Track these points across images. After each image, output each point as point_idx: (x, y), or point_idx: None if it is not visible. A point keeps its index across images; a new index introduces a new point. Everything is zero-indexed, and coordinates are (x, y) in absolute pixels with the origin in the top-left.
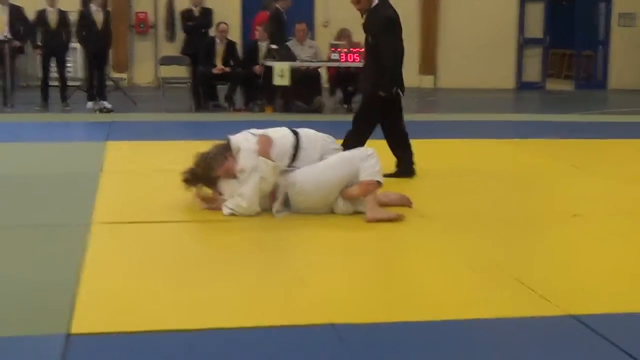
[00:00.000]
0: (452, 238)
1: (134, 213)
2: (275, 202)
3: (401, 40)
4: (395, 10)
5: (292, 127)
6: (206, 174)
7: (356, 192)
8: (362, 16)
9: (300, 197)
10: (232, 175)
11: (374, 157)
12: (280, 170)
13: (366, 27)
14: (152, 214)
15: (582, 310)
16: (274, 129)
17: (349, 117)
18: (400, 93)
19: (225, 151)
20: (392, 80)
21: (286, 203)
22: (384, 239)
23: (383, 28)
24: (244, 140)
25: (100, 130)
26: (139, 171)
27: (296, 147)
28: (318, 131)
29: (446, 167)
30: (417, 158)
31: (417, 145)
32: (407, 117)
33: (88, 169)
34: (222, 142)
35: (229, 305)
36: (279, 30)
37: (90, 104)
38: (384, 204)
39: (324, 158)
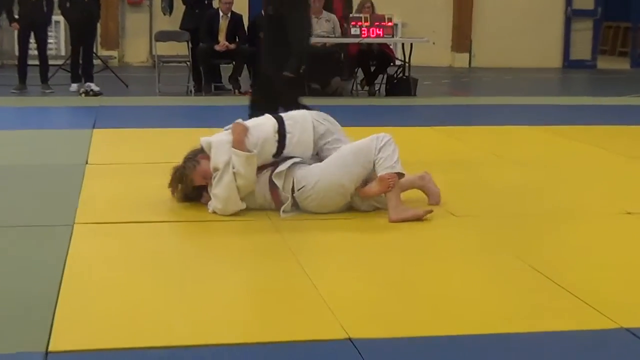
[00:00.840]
0: (489, 240)
1: (121, 212)
2: (285, 205)
3: (309, 13)
4: None
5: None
6: (185, 187)
7: (375, 190)
8: None
9: (312, 203)
10: (209, 178)
11: (391, 144)
12: (261, 159)
13: None
14: (141, 213)
15: (638, 323)
16: (253, 119)
17: (371, 102)
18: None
19: (196, 155)
20: (299, 59)
21: (294, 204)
22: (409, 242)
23: (292, 1)
24: (215, 135)
25: (86, 116)
26: (130, 163)
27: (281, 132)
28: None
29: (482, 157)
30: (449, 146)
31: (450, 133)
32: (439, 100)
33: (71, 160)
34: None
35: (230, 318)
36: None
37: (74, 86)
38: (405, 188)
39: (321, 142)
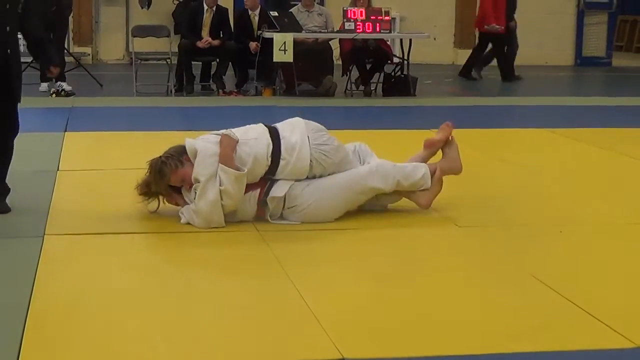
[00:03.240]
0: (494, 253)
1: (95, 222)
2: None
3: None
4: None
5: (292, 116)
6: (157, 183)
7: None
8: None
9: (300, 219)
10: (188, 183)
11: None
12: (249, 177)
13: None
14: (116, 223)
15: None
16: (246, 127)
17: (367, 102)
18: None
19: (181, 154)
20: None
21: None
22: (406, 254)
23: None
24: (201, 141)
25: (58, 118)
26: (104, 170)
27: (274, 156)
28: (313, 121)
29: (488, 162)
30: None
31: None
32: (440, 100)
33: (42, 166)
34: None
35: (218, 338)
36: None
37: (44, 86)
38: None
39: (315, 165)
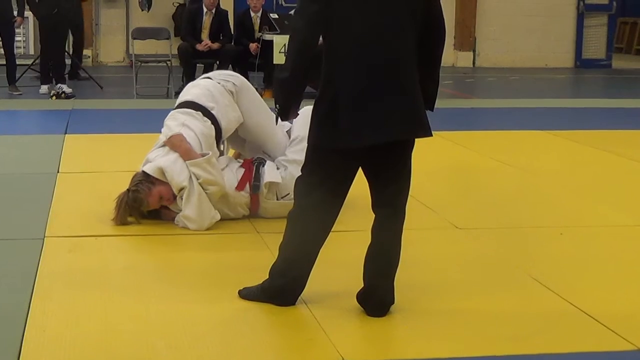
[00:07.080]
0: (495, 255)
1: (95, 224)
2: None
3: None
4: None
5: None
6: (137, 212)
7: None
8: None
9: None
10: (168, 199)
11: None
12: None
13: None
14: (117, 225)
15: None
16: (166, 122)
17: None
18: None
19: (148, 177)
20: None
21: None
22: (407, 257)
23: None
24: (159, 157)
25: (58, 120)
26: (104, 172)
27: (206, 113)
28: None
29: (487, 164)
30: (451, 152)
31: (452, 138)
32: (440, 102)
33: (42, 169)
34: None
35: (220, 344)
36: None
37: (45, 88)
38: None
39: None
